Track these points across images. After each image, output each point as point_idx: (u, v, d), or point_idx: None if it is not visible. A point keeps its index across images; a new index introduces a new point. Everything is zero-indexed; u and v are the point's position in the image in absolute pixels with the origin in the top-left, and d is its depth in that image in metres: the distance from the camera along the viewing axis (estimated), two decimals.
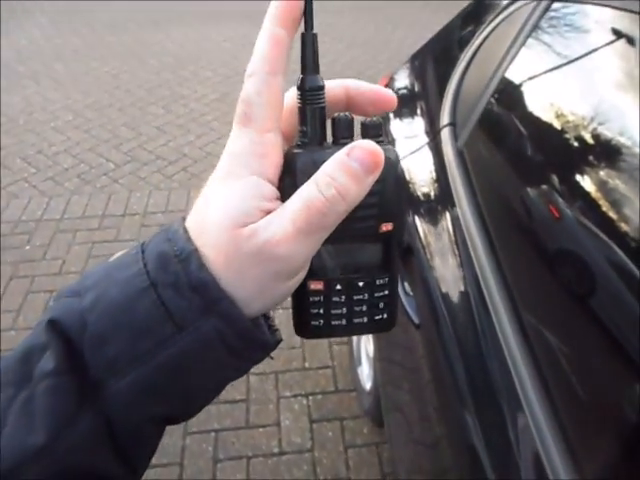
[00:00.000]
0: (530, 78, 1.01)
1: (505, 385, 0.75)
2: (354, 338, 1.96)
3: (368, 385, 1.76)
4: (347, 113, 0.32)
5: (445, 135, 1.11)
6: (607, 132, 0.78)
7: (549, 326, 0.74)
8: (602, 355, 0.64)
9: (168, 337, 0.30)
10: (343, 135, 0.32)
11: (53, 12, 6.15)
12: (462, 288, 0.93)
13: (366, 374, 1.81)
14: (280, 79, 0.31)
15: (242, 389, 2.03)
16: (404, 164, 1.25)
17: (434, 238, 1.04)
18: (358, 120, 0.34)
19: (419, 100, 1.42)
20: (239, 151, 0.31)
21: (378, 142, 0.31)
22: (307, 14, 0.31)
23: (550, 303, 0.76)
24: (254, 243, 0.30)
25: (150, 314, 0.30)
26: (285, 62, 0.31)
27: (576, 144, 0.83)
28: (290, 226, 0.29)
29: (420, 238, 1.07)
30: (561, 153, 0.85)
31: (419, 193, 1.16)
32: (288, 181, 0.31)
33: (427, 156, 1.17)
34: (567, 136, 0.85)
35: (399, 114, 1.47)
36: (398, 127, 1.44)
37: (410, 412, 1.11)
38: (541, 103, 0.95)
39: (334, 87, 0.34)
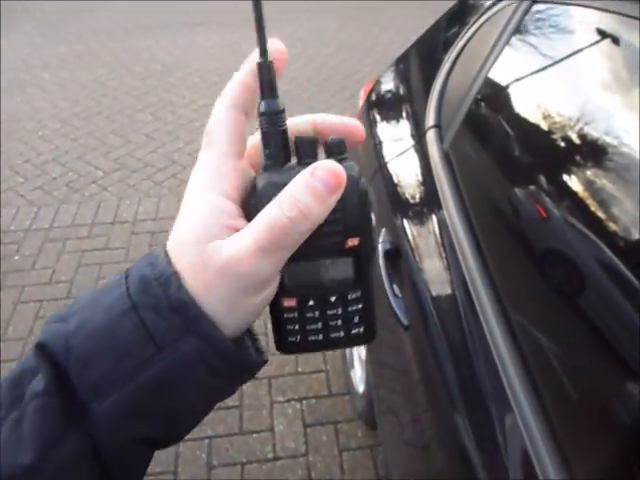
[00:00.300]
0: (514, 78, 1.01)
1: (494, 385, 0.75)
2: None
3: (361, 388, 1.76)
4: (311, 136, 0.33)
5: (431, 137, 1.11)
6: (592, 131, 0.78)
7: (537, 325, 0.74)
8: (590, 353, 0.64)
9: (149, 358, 0.31)
10: (307, 155, 0.33)
11: (40, 20, 6.13)
12: (450, 289, 0.93)
13: (359, 377, 1.81)
14: (240, 111, 0.33)
15: (235, 395, 2.01)
16: (391, 167, 1.25)
17: (422, 240, 1.04)
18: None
19: (405, 103, 1.43)
20: (202, 174, 0.33)
21: (341, 159, 0.32)
22: (261, 44, 0.33)
23: (537, 302, 0.76)
24: (217, 260, 0.31)
25: (132, 336, 0.31)
26: (252, 101, 0.33)
27: (561, 143, 0.83)
28: (253, 244, 0.30)
29: (408, 240, 1.07)
30: (547, 152, 0.86)
31: (406, 196, 1.16)
32: (252, 202, 0.32)
33: (413, 158, 1.17)
34: (552, 135, 0.86)
35: (386, 117, 1.47)
36: (385, 130, 1.44)
37: (402, 414, 1.11)
38: (525, 103, 0.96)
39: (301, 122, 0.35)
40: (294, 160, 0.33)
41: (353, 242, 0.33)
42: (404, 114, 1.37)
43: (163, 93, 4.38)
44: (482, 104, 1.03)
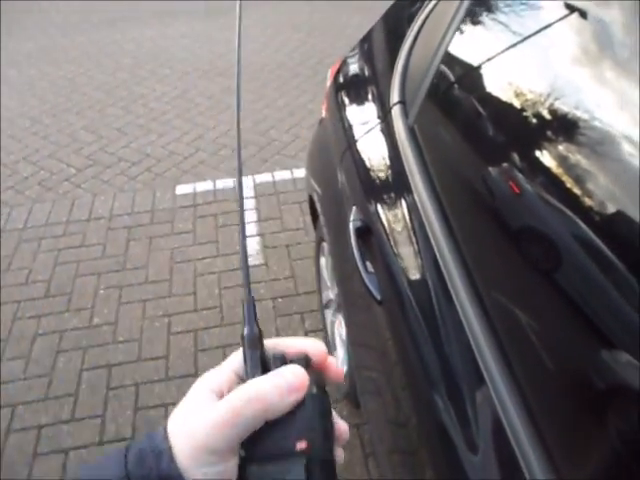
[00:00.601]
0: (474, 49, 1.01)
1: (465, 357, 0.76)
2: (328, 324, 1.97)
3: (344, 368, 1.77)
4: (281, 355, 0.38)
5: (396, 113, 1.11)
6: (558, 100, 0.75)
7: (507, 299, 0.75)
8: (561, 327, 0.64)
9: None
10: (276, 368, 0.37)
11: (3, 16, 5.98)
12: (420, 264, 0.94)
13: (341, 358, 1.82)
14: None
15: None
16: (359, 145, 1.25)
17: (391, 216, 1.05)
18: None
19: (371, 80, 1.42)
20: (209, 376, 0.39)
21: None
22: (246, 280, 0.40)
23: (506, 276, 0.76)
24: (182, 426, 0.36)
25: None
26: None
27: (526, 112, 0.82)
28: (210, 417, 0.35)
29: (378, 217, 1.07)
30: (512, 123, 0.85)
31: (375, 173, 1.16)
32: None
33: (380, 136, 1.17)
34: (517, 105, 0.85)
35: (353, 96, 1.47)
36: (353, 109, 1.44)
37: (382, 392, 1.12)
38: (487, 74, 0.96)
39: (278, 343, 0.40)
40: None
41: (301, 446, 0.35)
42: (371, 92, 1.36)
43: (133, 86, 4.31)
44: (444, 77, 1.03)
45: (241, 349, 0.39)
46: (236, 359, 0.40)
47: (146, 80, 4.41)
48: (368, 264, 1.05)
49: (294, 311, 2.31)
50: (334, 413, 0.38)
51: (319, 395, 0.37)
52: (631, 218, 0.57)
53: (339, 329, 1.84)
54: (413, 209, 0.97)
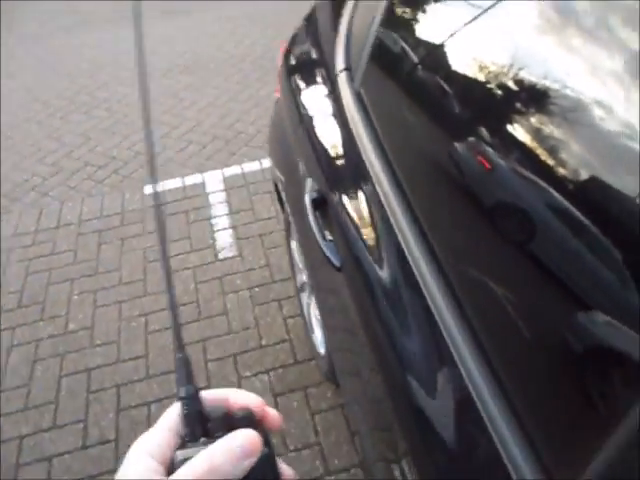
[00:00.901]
0: (414, 6, 1.01)
1: (432, 334, 0.75)
2: (304, 307, 1.96)
3: (322, 350, 1.77)
4: (223, 411, 0.38)
5: (342, 80, 1.10)
6: (509, 52, 0.72)
7: (470, 268, 0.73)
8: (531, 299, 0.61)
9: None
10: (217, 430, 0.37)
11: None
12: (375, 229, 0.93)
13: (319, 339, 1.81)
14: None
15: (202, 377, 2.00)
16: (310, 117, 1.24)
17: (344, 183, 1.04)
18: None
19: (318, 54, 1.41)
20: (146, 440, 0.37)
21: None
22: (178, 340, 0.39)
23: (460, 233, 0.76)
24: None
25: None
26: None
27: (471, 70, 0.81)
28: None
29: (332, 185, 1.06)
30: (451, 79, 0.85)
31: (326, 142, 1.15)
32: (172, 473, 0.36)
33: (329, 106, 1.16)
34: (462, 63, 0.84)
35: (303, 71, 1.45)
36: (303, 83, 1.42)
37: (355, 370, 1.11)
38: (429, 28, 0.95)
39: (217, 395, 0.40)
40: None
41: None
42: (318, 65, 1.35)
43: (95, 91, 4.24)
44: (386, 38, 1.02)
45: (174, 406, 0.38)
46: (171, 417, 0.38)
47: (107, 84, 4.34)
48: (326, 233, 1.04)
49: (271, 299, 2.30)
50: (277, 460, 0.39)
51: (268, 452, 0.36)
52: (604, 183, 0.54)
53: (314, 310, 1.84)
54: (364, 172, 0.97)
